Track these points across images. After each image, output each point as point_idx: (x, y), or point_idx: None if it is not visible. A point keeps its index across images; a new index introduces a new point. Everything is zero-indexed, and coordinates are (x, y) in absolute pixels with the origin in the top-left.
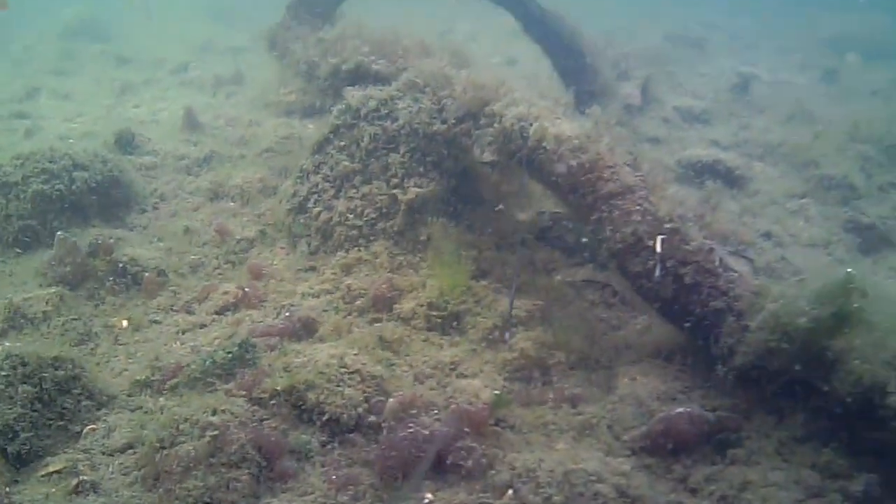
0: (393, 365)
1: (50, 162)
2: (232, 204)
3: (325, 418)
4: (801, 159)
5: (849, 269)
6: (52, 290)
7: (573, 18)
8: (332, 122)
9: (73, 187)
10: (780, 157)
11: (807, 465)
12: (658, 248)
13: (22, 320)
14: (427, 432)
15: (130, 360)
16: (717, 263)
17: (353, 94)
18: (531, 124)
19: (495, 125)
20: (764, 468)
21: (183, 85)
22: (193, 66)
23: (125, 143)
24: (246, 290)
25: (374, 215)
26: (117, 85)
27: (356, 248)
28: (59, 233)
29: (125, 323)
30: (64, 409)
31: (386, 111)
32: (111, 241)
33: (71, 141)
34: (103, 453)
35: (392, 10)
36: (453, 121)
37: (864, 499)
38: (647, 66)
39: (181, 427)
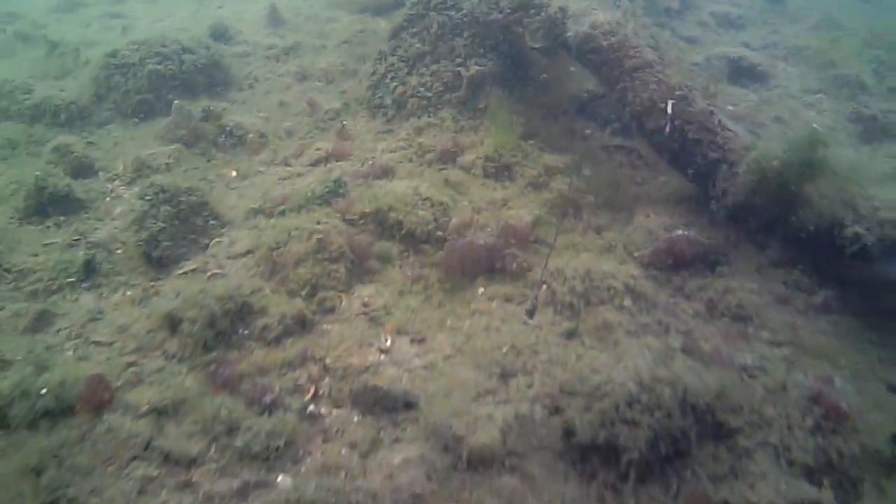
0: (455, 200)
1: (162, 46)
2: (318, 83)
3: (402, 232)
4: (820, 61)
5: (814, 125)
6: (172, 146)
7: None
8: (406, 13)
9: (183, 67)
10: (802, 58)
11: (778, 282)
12: (669, 110)
13: (148, 170)
14: (482, 242)
15: (242, 198)
16: (716, 123)
17: None
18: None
19: (542, 14)
20: (744, 281)
21: None
22: None
23: (219, 34)
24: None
25: (441, 88)
26: None
27: (426, 115)
28: (175, 101)
29: (234, 173)
30: (196, 225)
31: (451, 2)
32: (220, 109)
33: None
34: (228, 258)
35: None
36: (508, 10)
37: (822, 308)
38: None
39: (292, 233)
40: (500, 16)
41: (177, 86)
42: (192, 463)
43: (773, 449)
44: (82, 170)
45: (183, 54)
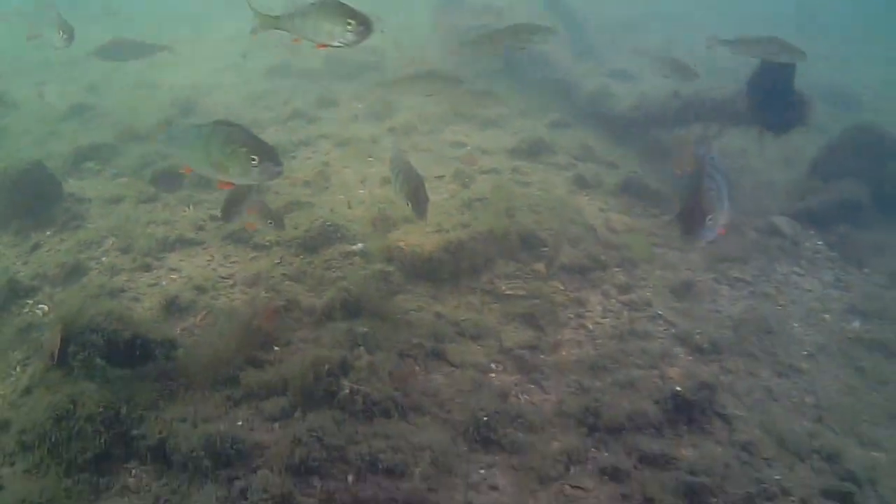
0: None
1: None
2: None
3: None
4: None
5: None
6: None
7: None
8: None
9: (370, 61)
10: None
11: (595, 130)
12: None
13: (359, 97)
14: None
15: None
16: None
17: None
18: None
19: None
20: (580, 131)
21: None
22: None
23: (381, 53)
24: None
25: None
26: None
27: None
28: (371, 75)
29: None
30: (383, 113)
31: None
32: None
33: None
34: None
35: None
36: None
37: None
38: (620, 30)
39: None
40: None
41: (366, 70)
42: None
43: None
44: (331, 95)
45: (371, 56)
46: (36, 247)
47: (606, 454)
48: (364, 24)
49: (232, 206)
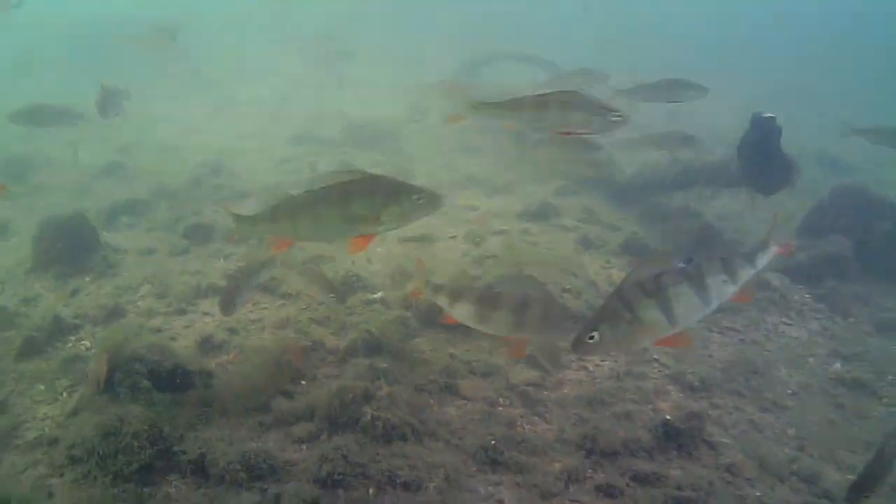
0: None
1: (368, 123)
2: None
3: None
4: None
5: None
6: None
7: None
8: None
9: (382, 128)
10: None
11: None
12: None
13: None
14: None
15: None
16: None
17: None
18: None
19: None
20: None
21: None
22: None
23: (395, 121)
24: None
25: None
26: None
27: None
28: (382, 143)
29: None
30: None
31: None
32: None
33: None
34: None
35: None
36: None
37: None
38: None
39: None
40: None
41: (383, 139)
42: None
43: None
44: (350, 160)
45: (387, 125)
46: (75, 291)
47: (602, 474)
48: (625, 116)
49: (230, 298)
